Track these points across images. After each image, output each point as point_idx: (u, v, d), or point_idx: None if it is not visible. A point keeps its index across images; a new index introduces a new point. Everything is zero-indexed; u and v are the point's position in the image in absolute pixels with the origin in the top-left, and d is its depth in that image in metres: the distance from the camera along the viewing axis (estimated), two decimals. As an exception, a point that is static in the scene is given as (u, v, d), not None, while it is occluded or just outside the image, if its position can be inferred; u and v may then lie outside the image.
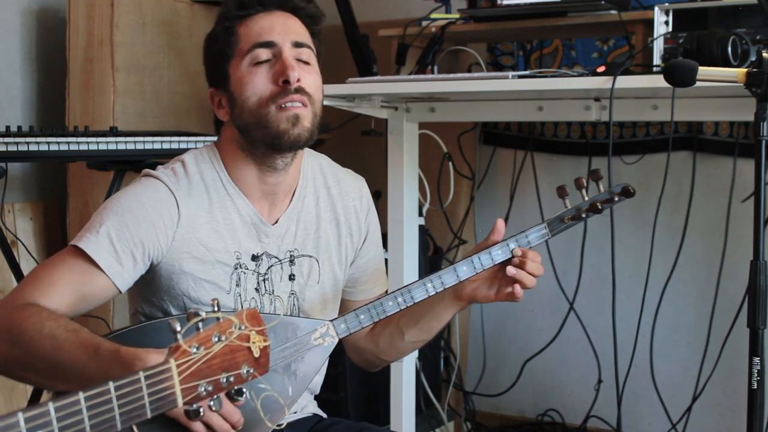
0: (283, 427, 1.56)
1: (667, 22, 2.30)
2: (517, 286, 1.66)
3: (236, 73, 1.62)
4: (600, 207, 1.71)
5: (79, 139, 2.39)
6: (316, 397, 1.85)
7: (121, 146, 2.45)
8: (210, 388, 1.11)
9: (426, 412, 3.08)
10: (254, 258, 1.66)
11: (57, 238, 3.17)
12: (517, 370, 3.30)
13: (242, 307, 1.64)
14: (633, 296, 3.02)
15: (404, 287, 1.65)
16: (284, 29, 1.63)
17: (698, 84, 1.75)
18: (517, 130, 3.33)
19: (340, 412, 2.76)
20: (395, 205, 2.77)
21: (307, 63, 1.64)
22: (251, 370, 1.16)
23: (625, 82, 2.17)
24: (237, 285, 1.65)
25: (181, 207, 1.60)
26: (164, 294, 1.63)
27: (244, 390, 1.16)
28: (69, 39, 2.99)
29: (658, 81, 1.89)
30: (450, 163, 3.20)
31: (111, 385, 1.01)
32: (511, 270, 1.66)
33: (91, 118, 2.91)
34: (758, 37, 2.16)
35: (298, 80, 1.59)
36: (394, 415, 2.81)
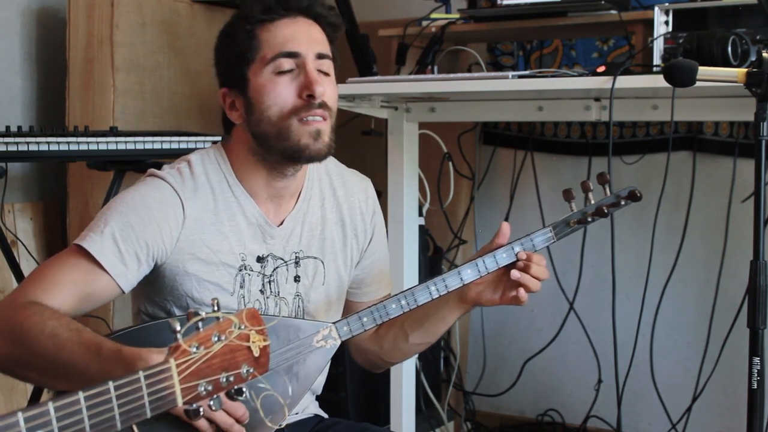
0: (282, 427, 1.56)
1: (667, 22, 2.30)
2: (522, 290, 1.65)
3: (257, 79, 1.60)
4: (606, 211, 1.71)
5: (79, 139, 2.38)
6: (317, 398, 1.85)
7: (121, 146, 2.44)
8: (210, 388, 1.11)
9: (426, 412, 3.08)
10: (259, 260, 1.66)
11: (57, 238, 3.16)
12: (517, 370, 3.30)
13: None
14: (633, 296, 3.02)
15: (408, 290, 1.64)
16: (308, 39, 1.61)
17: (698, 84, 1.75)
18: (517, 130, 3.33)
19: (340, 413, 2.76)
20: (395, 205, 2.77)
21: (327, 74, 1.63)
22: (251, 370, 1.16)
23: (625, 82, 2.17)
24: (241, 287, 1.64)
25: (187, 208, 1.59)
26: (167, 294, 1.62)
27: (244, 389, 1.16)
28: (69, 39, 2.99)
29: (658, 81, 1.89)
30: (450, 163, 3.20)
31: (110, 384, 1.01)
32: (515, 274, 1.65)
33: (91, 118, 2.90)
34: (758, 37, 2.16)
35: (323, 95, 1.59)
36: (394, 415, 2.81)
